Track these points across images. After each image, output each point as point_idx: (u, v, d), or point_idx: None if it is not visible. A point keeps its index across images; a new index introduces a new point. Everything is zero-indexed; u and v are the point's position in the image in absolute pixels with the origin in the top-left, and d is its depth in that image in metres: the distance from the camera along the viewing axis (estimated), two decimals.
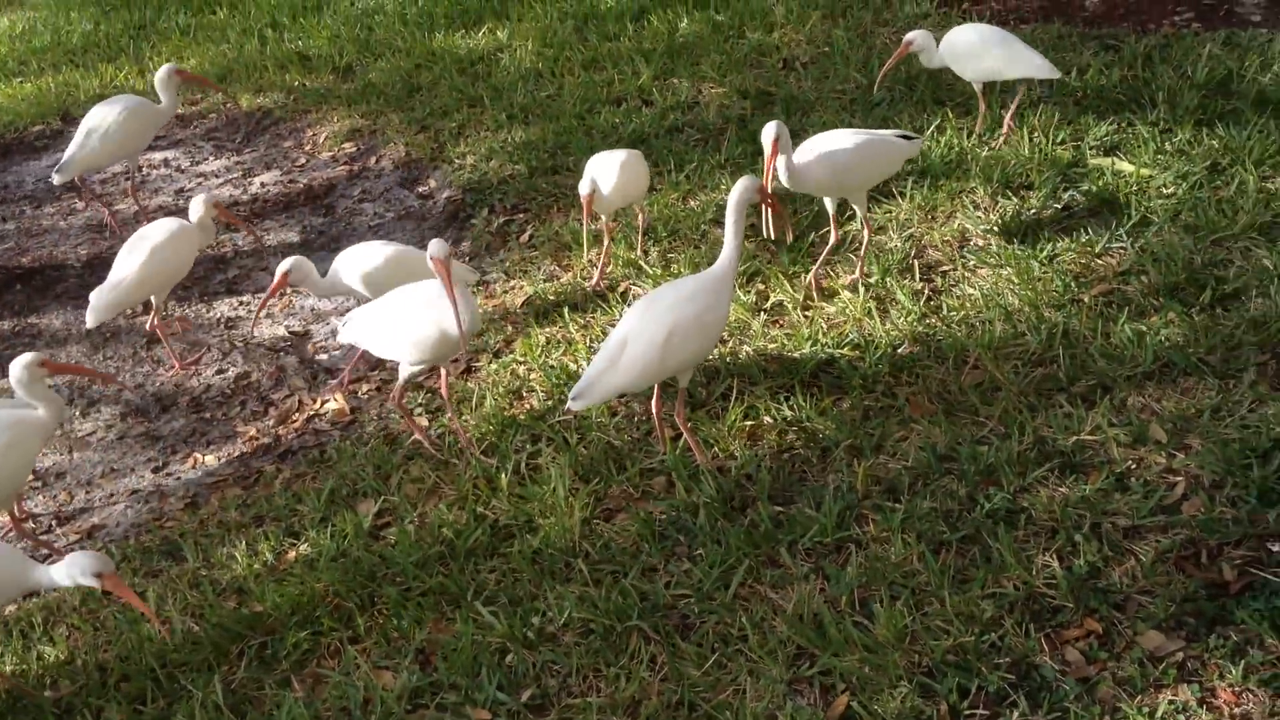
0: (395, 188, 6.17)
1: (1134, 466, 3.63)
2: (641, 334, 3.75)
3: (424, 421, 4.46)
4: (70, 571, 3.45)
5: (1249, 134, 5.09)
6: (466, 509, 3.93)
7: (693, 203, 5.41)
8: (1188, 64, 5.71)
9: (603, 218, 4.92)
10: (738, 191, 3.80)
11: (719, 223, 5.19)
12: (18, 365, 3.96)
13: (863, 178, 4.56)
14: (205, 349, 5.20)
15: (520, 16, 7.53)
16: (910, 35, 5.35)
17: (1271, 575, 3.20)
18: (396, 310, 4.12)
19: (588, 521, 3.78)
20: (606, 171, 4.76)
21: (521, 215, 5.61)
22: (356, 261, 4.56)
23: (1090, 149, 5.27)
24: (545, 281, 5.07)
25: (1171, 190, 4.88)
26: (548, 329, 4.79)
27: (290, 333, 5.24)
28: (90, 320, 4.80)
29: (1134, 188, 4.93)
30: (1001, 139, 5.41)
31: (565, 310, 4.83)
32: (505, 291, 5.13)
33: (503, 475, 4.00)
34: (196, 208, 4.97)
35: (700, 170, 5.60)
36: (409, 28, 7.77)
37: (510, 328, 4.86)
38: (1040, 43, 6.19)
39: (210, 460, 4.60)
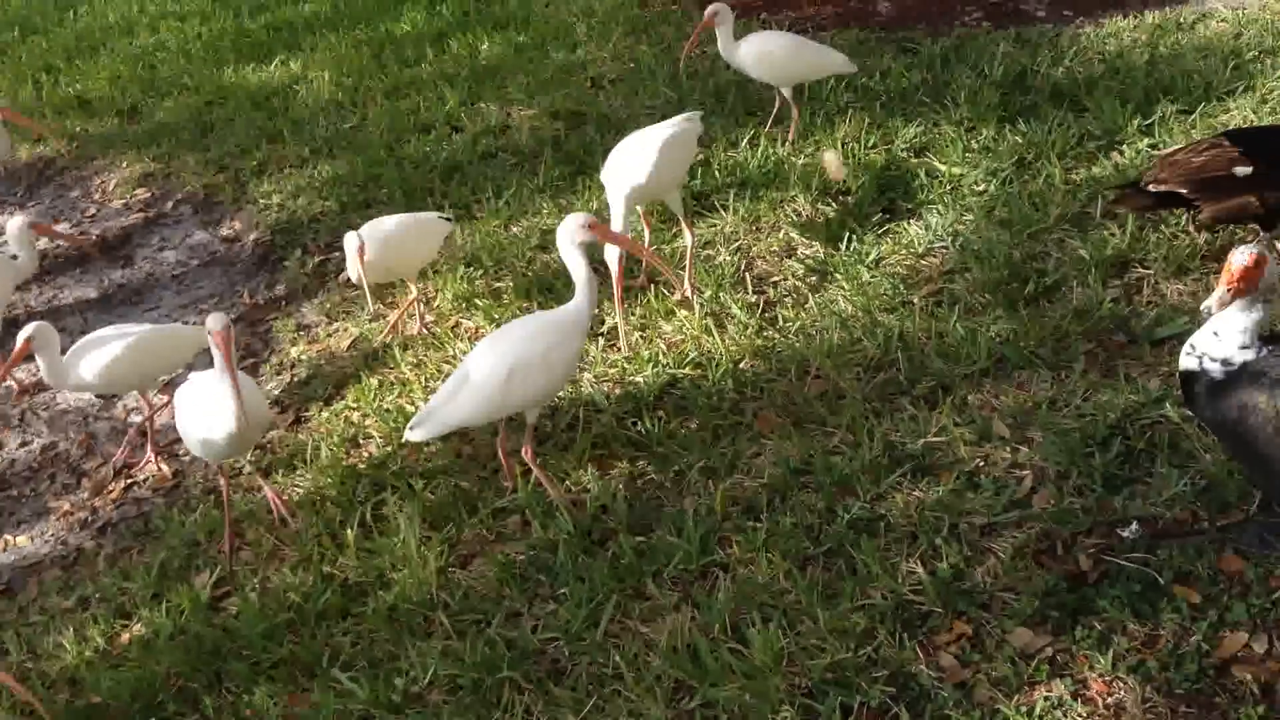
0: (197, 232, 5.88)
1: (982, 464, 3.68)
2: (482, 368, 3.64)
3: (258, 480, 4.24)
4: None
5: (1049, 128, 5.25)
6: (312, 569, 3.73)
7: (515, 229, 5.30)
8: (984, 63, 5.86)
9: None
10: (564, 232, 3.69)
11: (544, 248, 5.10)
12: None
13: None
14: (3, 420, 4.85)
15: (313, 46, 7.30)
16: (713, 7, 5.34)
17: (1126, 561, 3.26)
18: (182, 405, 3.84)
19: (443, 570, 3.63)
20: (375, 234, 4.50)
21: (338, 253, 5.40)
22: (91, 356, 4.20)
23: (901, 151, 5.35)
24: (371, 321, 4.89)
25: (983, 187, 4.99)
26: (379, 371, 4.61)
27: (98, 396, 4.93)
28: None
29: (948, 187, 5.02)
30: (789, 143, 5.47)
31: (396, 350, 4.66)
32: (329, 335, 4.93)
33: (347, 529, 3.83)
34: (15, 233, 4.60)
35: (519, 195, 5.50)
36: (195, 64, 7.46)
37: (339, 372, 4.67)
38: (840, 47, 6.28)
39: (23, 541, 4.28)
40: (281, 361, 4.84)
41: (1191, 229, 4.47)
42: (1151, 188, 4.25)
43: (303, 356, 4.81)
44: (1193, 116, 5.16)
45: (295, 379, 4.71)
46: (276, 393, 4.64)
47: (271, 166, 6.13)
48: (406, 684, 3.30)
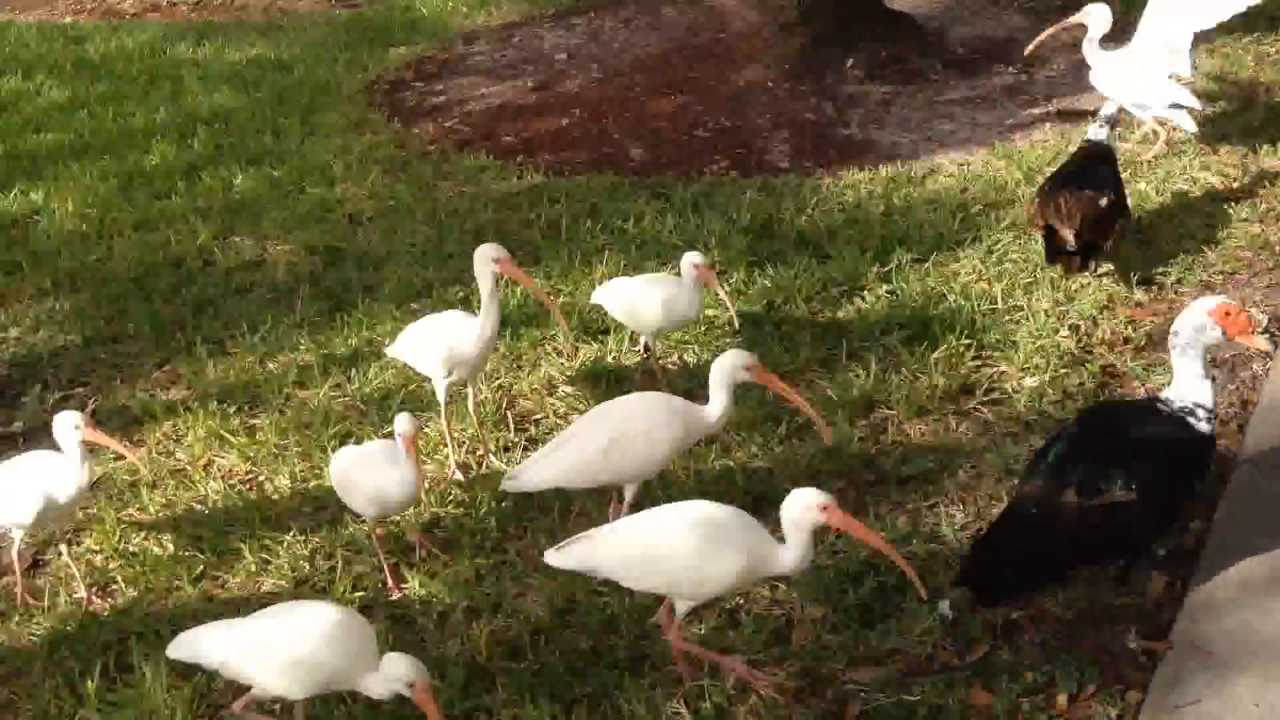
0: None
1: (742, 601, 3.76)
2: (586, 433, 3.88)
3: None
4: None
5: (795, 273, 5.50)
6: None
7: (271, 365, 5.19)
8: (732, 209, 6.12)
9: None
10: (723, 366, 3.80)
11: (302, 384, 5.01)
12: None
13: None
14: None
15: (57, 176, 7.03)
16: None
17: (884, 698, 3.37)
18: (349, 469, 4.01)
19: None
20: None
21: (81, 389, 5.16)
22: None
23: None
24: (115, 460, 4.67)
25: (738, 328, 5.17)
26: (124, 510, 4.40)
27: None
28: None
29: (703, 328, 5.18)
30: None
31: (143, 489, 4.46)
32: None
33: (89, 681, 3.60)
34: None
35: (276, 330, 5.39)
36: None
37: (80, 513, 4.42)
38: (595, 192, 6.49)
39: None
40: None
41: (931, 371, 4.75)
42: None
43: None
44: (926, 265, 5.50)
45: None
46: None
47: (10, 299, 5.84)
48: None
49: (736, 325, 4.97)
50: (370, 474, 3.87)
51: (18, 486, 3.92)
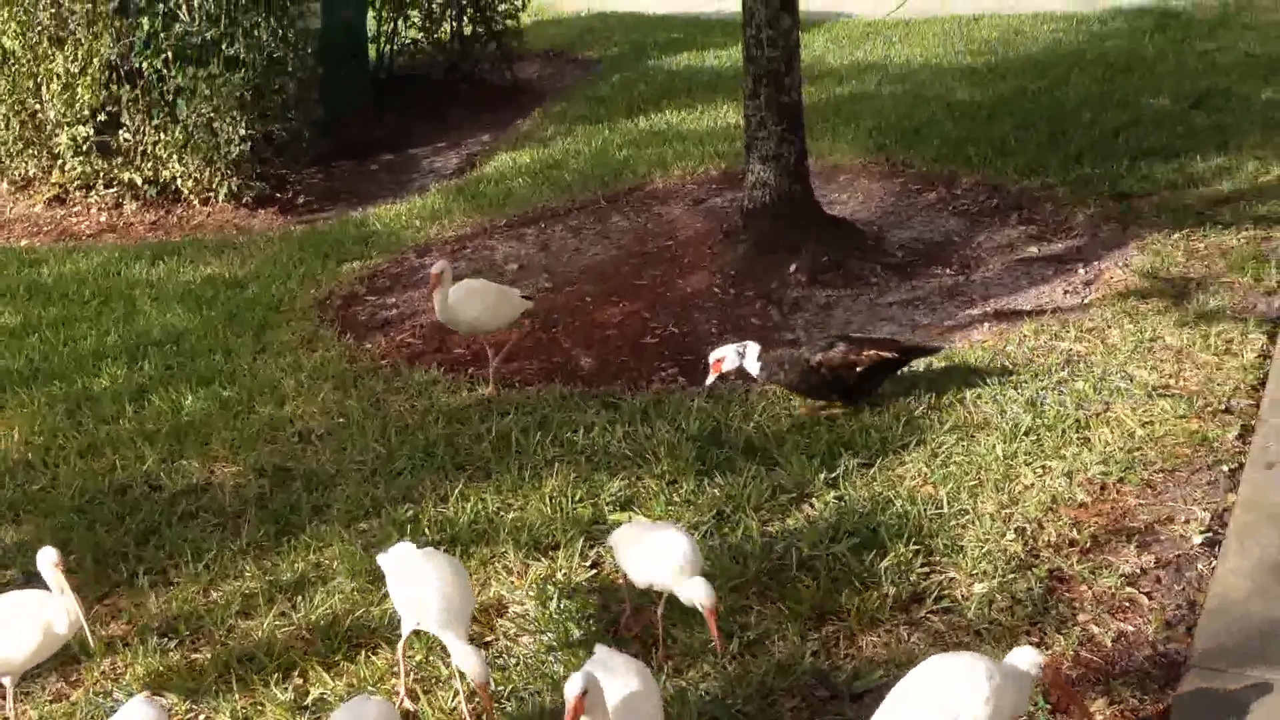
0: None
1: None
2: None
3: None
4: None
5: (744, 480, 5.53)
6: None
7: (215, 594, 5.11)
8: (681, 418, 6.17)
9: None
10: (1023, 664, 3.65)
11: (246, 614, 4.93)
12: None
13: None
14: None
15: (3, 405, 7.02)
16: (438, 265, 6.48)
17: None
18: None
19: None
20: None
21: None
22: None
23: (607, 504, 5.51)
24: (51, 702, 4.54)
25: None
26: None
27: None
28: None
29: None
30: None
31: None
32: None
33: None
34: None
35: (220, 558, 5.33)
36: None
37: None
38: (546, 404, 6.53)
39: None
40: None
41: (881, 579, 4.74)
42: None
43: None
44: (872, 470, 5.55)
45: None
46: None
47: None
48: None
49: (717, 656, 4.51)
50: None
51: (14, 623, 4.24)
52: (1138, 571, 4.77)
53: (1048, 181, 9.20)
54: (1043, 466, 5.46)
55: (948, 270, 8.06)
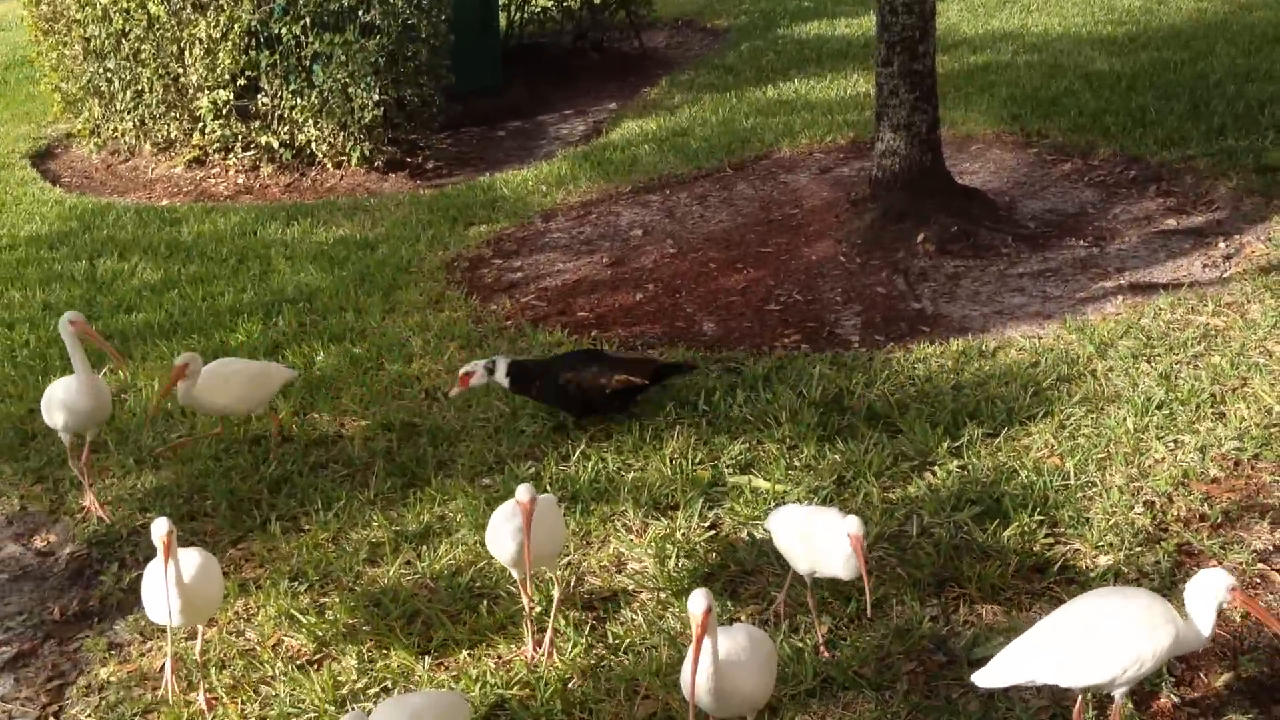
0: (8, 544, 5.66)
1: None
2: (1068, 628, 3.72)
3: None
4: None
5: (866, 448, 5.49)
6: None
7: (343, 542, 5.25)
8: (803, 384, 6.15)
9: None
10: (1211, 588, 3.59)
11: (373, 562, 5.06)
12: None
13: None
14: None
15: (145, 355, 7.27)
16: (184, 356, 5.75)
17: None
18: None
19: None
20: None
21: None
22: None
23: (727, 468, 5.52)
24: (187, 639, 4.72)
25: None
26: (190, 691, 4.43)
27: None
28: None
29: (773, 504, 5.17)
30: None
31: (213, 671, 4.49)
32: (142, 654, 4.72)
33: None
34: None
35: (349, 507, 5.47)
36: (20, 369, 7.34)
37: (149, 694, 4.46)
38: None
39: None
40: (90, 684, 4.60)
41: (1004, 549, 4.67)
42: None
43: (112, 679, 4.58)
44: (997, 439, 5.47)
45: (104, 703, 4.48)
46: (84, 718, 4.41)
47: (94, 477, 5.99)
48: None
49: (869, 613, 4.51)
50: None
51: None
52: (1270, 548, 4.64)
53: (1188, 154, 8.93)
54: (1175, 441, 5.33)
55: (1081, 242, 7.89)
